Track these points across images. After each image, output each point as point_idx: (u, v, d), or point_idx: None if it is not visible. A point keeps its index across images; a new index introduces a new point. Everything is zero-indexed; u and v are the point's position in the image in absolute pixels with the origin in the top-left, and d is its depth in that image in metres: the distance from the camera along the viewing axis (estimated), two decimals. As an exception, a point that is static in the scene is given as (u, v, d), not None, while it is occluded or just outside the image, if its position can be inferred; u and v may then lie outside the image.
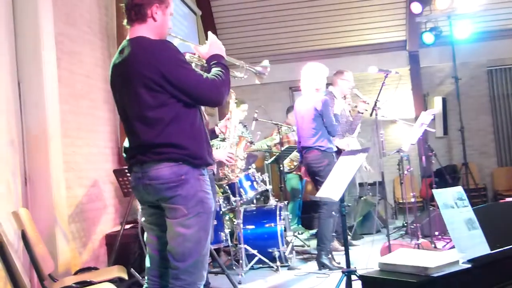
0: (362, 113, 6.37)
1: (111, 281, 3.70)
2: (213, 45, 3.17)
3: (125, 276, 3.96)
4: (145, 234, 3.14)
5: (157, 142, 2.82)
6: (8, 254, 3.01)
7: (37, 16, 4.76)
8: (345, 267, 4.06)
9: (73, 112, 5.53)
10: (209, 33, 3.28)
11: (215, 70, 3.00)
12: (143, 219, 3.13)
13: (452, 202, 2.85)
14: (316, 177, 5.81)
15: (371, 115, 5.53)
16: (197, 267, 2.91)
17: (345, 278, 3.96)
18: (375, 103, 5.45)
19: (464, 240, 2.76)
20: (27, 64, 4.78)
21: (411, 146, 6.20)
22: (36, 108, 4.78)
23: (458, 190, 2.94)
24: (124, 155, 3.09)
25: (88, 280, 3.68)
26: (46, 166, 4.78)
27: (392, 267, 2.74)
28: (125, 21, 3.04)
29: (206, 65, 3.14)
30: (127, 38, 3.00)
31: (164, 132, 2.82)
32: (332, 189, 3.90)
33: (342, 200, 3.91)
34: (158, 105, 2.81)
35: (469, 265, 2.68)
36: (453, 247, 4.62)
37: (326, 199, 4.03)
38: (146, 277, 3.12)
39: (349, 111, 6.81)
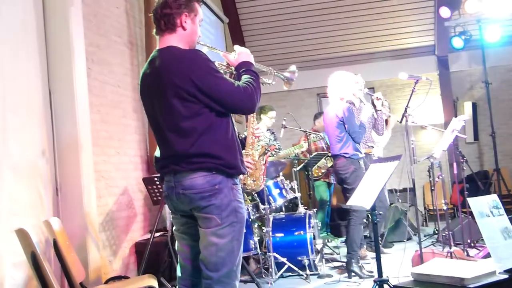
0: (380, 110, 6.33)
1: (141, 290, 3.70)
2: (242, 52, 3.16)
3: (156, 285, 3.96)
4: (176, 243, 3.13)
5: (191, 152, 2.81)
6: (41, 263, 3.03)
7: (68, 26, 4.83)
8: (376, 275, 4.00)
9: (103, 121, 5.58)
10: (235, 46, 3.27)
11: (245, 77, 2.98)
12: (174, 228, 3.12)
13: (487, 210, 2.80)
14: (344, 184, 5.82)
15: (401, 121, 5.46)
16: (230, 277, 2.88)
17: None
18: (406, 109, 5.38)
19: (500, 250, 2.70)
20: (58, 74, 4.85)
21: (442, 152, 6.12)
22: (67, 117, 4.83)
23: (494, 198, 2.88)
24: (155, 164, 3.08)
25: (119, 290, 3.69)
26: (77, 175, 4.83)
27: (427, 277, 2.69)
28: (154, 31, 3.04)
29: (235, 72, 3.13)
30: (157, 48, 3.00)
31: (198, 142, 2.81)
32: (363, 197, 3.86)
33: (373, 208, 3.86)
34: (191, 115, 2.80)
35: (506, 276, 2.62)
36: (486, 255, 4.55)
37: (358, 207, 3.99)
38: (177, 287, 3.10)
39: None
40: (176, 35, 2.96)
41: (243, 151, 5.20)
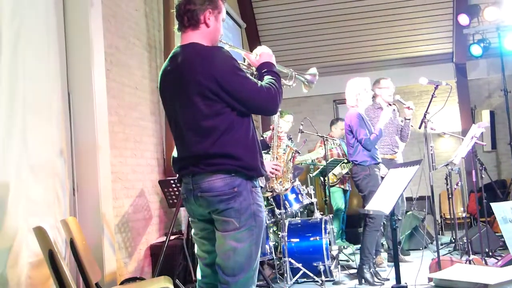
0: (409, 119, 6.35)
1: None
2: (264, 53, 3.11)
3: (171, 287, 3.94)
4: (196, 247, 3.08)
5: (211, 152, 2.75)
6: (58, 261, 3.02)
7: (88, 26, 4.84)
8: (394, 282, 3.95)
9: (121, 123, 5.59)
10: (258, 47, 3.21)
11: (268, 78, 2.92)
12: (193, 232, 3.06)
13: (510, 216, 2.75)
14: (358, 190, 5.90)
15: (420, 127, 5.42)
16: (247, 283, 2.83)
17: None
18: (425, 115, 5.35)
19: (524, 256, 2.65)
20: (77, 75, 4.86)
21: (460, 160, 6.06)
22: (85, 119, 4.84)
23: (517, 204, 2.83)
24: (173, 165, 3.03)
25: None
26: (95, 176, 4.83)
27: (449, 283, 2.65)
28: (175, 27, 2.99)
29: (256, 72, 3.08)
30: (179, 44, 2.95)
31: (219, 142, 2.75)
32: (382, 202, 3.82)
33: (392, 213, 3.82)
34: (212, 114, 2.75)
35: (530, 283, 2.57)
36: (505, 264, 4.48)
37: (377, 212, 3.94)
38: None
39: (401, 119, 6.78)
40: (199, 32, 2.90)
41: (269, 153, 5.19)
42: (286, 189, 5.12)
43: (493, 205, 2.75)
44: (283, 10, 10.52)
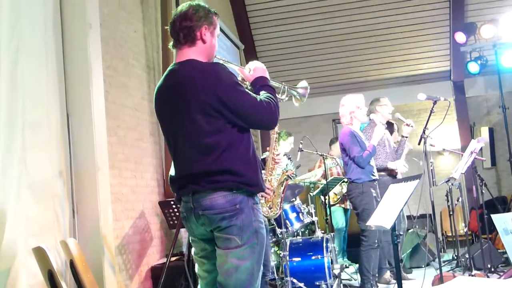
0: (407, 137, 6.35)
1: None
2: (258, 68, 3.10)
3: (173, 307, 3.90)
4: (196, 267, 3.05)
5: (213, 169, 2.73)
6: (58, 282, 3.00)
7: (86, 48, 4.86)
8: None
9: (121, 144, 5.59)
10: (250, 62, 3.22)
11: (264, 93, 2.91)
12: (194, 251, 3.03)
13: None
14: (352, 208, 5.98)
15: (419, 143, 5.42)
16: None
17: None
18: (424, 131, 5.36)
19: (526, 268, 2.63)
20: (76, 97, 4.87)
21: (460, 176, 6.05)
22: (84, 139, 4.84)
23: (518, 215, 2.82)
24: (170, 184, 2.99)
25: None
26: (94, 197, 4.81)
27: (451, 295, 2.62)
28: (170, 44, 2.97)
29: (250, 87, 3.05)
30: (175, 61, 2.93)
31: (220, 159, 2.73)
32: (383, 217, 3.81)
33: (393, 228, 3.80)
34: (214, 131, 2.73)
35: (533, 294, 2.54)
36: (509, 277, 4.44)
37: (378, 227, 3.93)
38: None
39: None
40: (195, 48, 2.89)
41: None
42: (276, 214, 5.06)
43: (494, 216, 2.75)
44: (282, 31, 10.60)
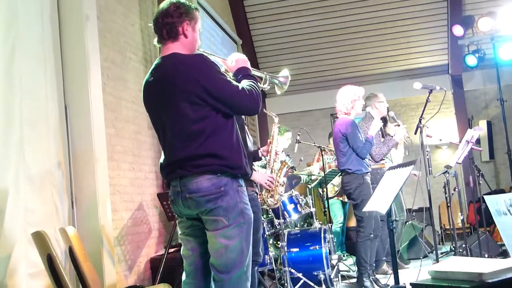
0: (392, 136, 6.33)
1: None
2: (239, 59, 3.29)
3: (171, 292, 3.94)
4: (182, 248, 3.19)
5: (197, 153, 2.87)
6: (57, 266, 3.03)
7: (83, 40, 4.90)
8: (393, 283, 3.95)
9: (119, 136, 5.62)
10: (232, 53, 3.42)
11: (246, 81, 3.07)
12: (180, 232, 3.19)
13: (504, 208, 2.77)
14: (350, 199, 5.87)
15: (415, 133, 5.45)
16: (241, 279, 2.94)
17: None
18: (420, 120, 5.39)
19: (519, 247, 2.67)
20: (74, 89, 4.91)
21: (458, 170, 6.08)
22: (82, 131, 4.88)
23: (510, 196, 2.85)
24: (160, 171, 3.15)
25: (135, 296, 3.67)
26: (93, 188, 4.85)
27: (444, 274, 2.65)
28: (155, 40, 3.13)
29: (233, 78, 3.22)
30: (160, 56, 3.08)
31: (205, 143, 2.88)
32: (378, 203, 3.84)
33: (389, 214, 3.83)
34: (199, 118, 2.88)
35: (525, 272, 2.57)
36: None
37: (374, 212, 3.96)
38: None
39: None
40: (178, 43, 3.04)
41: (266, 167, 5.22)
42: (276, 203, 5.13)
43: (487, 197, 2.78)
44: (279, 26, 10.62)
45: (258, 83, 3.34)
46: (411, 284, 2.82)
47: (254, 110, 3.03)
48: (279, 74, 3.61)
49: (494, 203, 2.76)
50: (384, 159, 6.50)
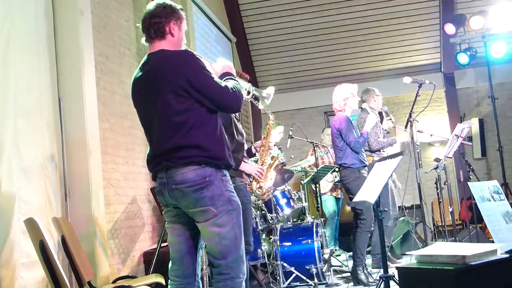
0: (386, 129, 6.40)
1: (149, 285, 3.73)
2: (225, 65, 3.39)
3: (163, 282, 3.99)
4: (168, 236, 3.25)
5: (181, 144, 2.96)
6: (49, 252, 3.08)
7: (77, 34, 4.95)
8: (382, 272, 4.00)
9: (113, 130, 5.66)
10: (219, 58, 3.53)
11: (231, 81, 3.17)
12: (166, 222, 3.25)
13: (488, 195, 2.84)
14: (348, 194, 5.92)
15: (405, 127, 5.51)
16: (237, 262, 3.04)
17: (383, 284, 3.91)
18: (410, 115, 5.45)
19: (502, 232, 2.73)
20: (67, 81, 4.95)
21: (449, 167, 6.13)
22: (76, 124, 4.93)
23: (494, 184, 2.92)
24: (147, 164, 3.21)
25: (127, 285, 3.72)
26: (86, 181, 4.89)
27: (429, 258, 2.71)
28: (143, 39, 3.22)
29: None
30: (148, 53, 3.17)
31: (188, 135, 2.96)
32: (367, 193, 3.90)
33: (378, 204, 3.89)
34: (183, 110, 2.96)
35: (507, 255, 2.63)
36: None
37: (363, 201, 4.02)
38: (169, 278, 3.22)
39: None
40: (165, 42, 3.13)
41: (258, 160, 5.30)
42: (263, 194, 5.20)
43: (471, 184, 2.84)
44: (273, 24, 10.68)
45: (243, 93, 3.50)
46: (396, 268, 2.88)
47: (236, 107, 3.12)
48: (265, 90, 3.77)
49: (478, 190, 2.82)
50: (381, 151, 6.55)
